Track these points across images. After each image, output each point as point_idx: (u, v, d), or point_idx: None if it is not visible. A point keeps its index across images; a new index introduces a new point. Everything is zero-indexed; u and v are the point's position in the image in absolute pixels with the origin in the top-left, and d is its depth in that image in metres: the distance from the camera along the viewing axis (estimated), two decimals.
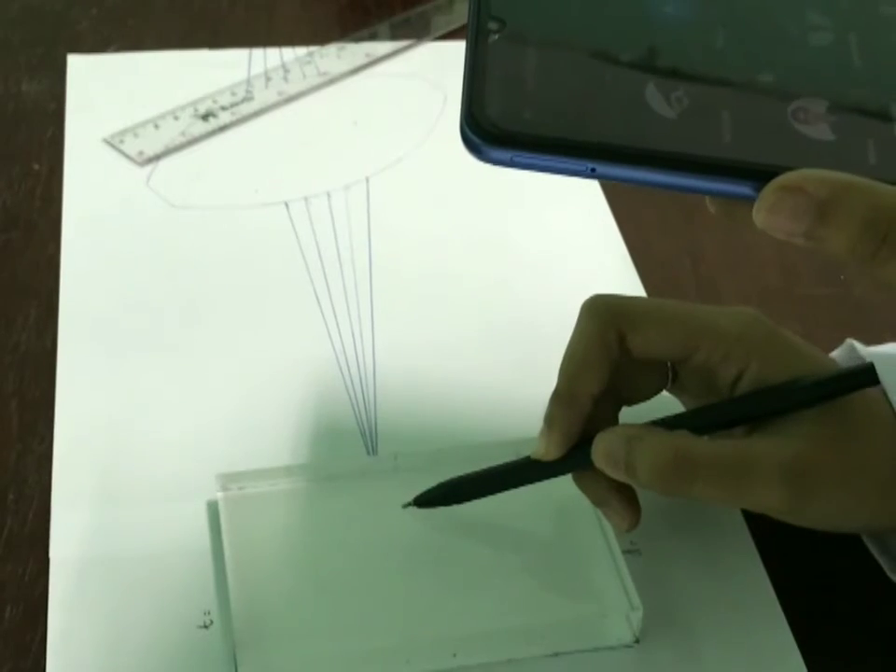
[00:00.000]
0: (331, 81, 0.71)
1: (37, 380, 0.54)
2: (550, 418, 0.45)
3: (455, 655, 0.44)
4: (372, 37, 0.73)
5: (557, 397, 0.46)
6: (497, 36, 0.36)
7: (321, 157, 0.66)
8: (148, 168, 0.65)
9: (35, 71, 0.70)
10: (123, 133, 0.66)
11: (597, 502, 0.47)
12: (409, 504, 0.47)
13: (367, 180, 0.64)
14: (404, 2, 0.76)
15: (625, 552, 0.47)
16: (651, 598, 0.46)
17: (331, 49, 0.72)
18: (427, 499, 0.47)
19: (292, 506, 0.48)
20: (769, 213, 0.35)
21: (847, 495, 0.44)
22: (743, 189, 0.35)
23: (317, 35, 0.73)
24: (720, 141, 0.35)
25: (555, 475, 0.46)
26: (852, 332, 0.51)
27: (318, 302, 0.58)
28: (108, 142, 0.66)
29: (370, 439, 0.52)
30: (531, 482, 0.47)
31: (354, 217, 0.62)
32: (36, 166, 0.65)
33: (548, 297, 0.59)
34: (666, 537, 0.49)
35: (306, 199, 0.63)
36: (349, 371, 0.55)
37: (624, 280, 0.60)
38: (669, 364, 0.48)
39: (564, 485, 0.49)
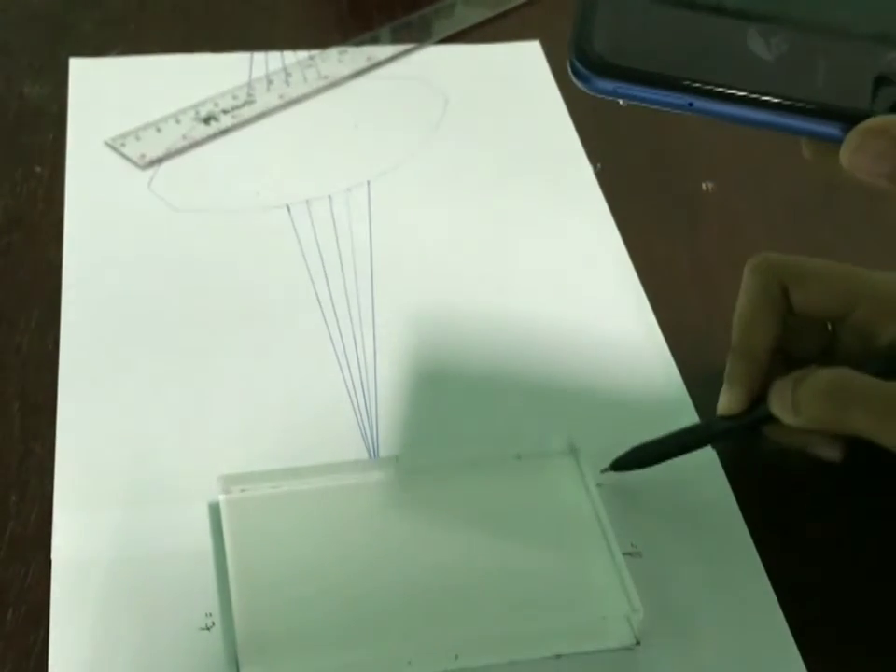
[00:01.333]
0: (333, 85, 0.71)
1: (39, 382, 0.54)
2: (730, 374, 0.48)
3: (456, 657, 0.44)
4: (374, 41, 0.73)
5: (734, 353, 0.48)
6: None
7: (322, 160, 0.66)
8: (150, 171, 0.65)
9: (37, 74, 0.70)
10: (125, 136, 0.66)
11: (802, 445, 0.48)
12: (607, 469, 0.49)
13: (368, 183, 0.65)
14: (405, 6, 0.76)
15: (626, 554, 0.47)
16: (652, 600, 0.46)
17: (333, 52, 0.73)
18: (623, 464, 0.49)
19: (294, 508, 0.48)
20: (854, 153, 0.37)
21: None
22: (832, 130, 0.37)
23: (319, 39, 0.73)
24: (813, 85, 0.37)
25: (742, 431, 0.48)
26: None
27: (320, 305, 0.58)
28: (110, 145, 0.66)
29: (371, 441, 0.52)
30: (720, 440, 0.49)
31: (355, 220, 0.63)
32: (38, 169, 0.65)
33: (548, 300, 0.59)
34: (667, 539, 0.49)
35: (307, 202, 0.63)
36: (350, 373, 0.55)
37: (624, 282, 0.60)
38: (829, 327, 0.49)
39: (565, 488, 0.49)
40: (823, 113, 0.37)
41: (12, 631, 0.45)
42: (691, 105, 0.38)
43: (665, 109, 0.38)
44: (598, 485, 0.49)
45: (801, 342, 0.49)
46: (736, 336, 0.48)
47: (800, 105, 0.37)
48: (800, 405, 0.46)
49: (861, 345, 0.49)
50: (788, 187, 0.66)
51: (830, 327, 0.50)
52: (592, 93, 0.38)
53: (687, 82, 0.37)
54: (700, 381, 0.55)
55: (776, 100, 0.37)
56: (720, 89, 0.37)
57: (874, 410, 0.45)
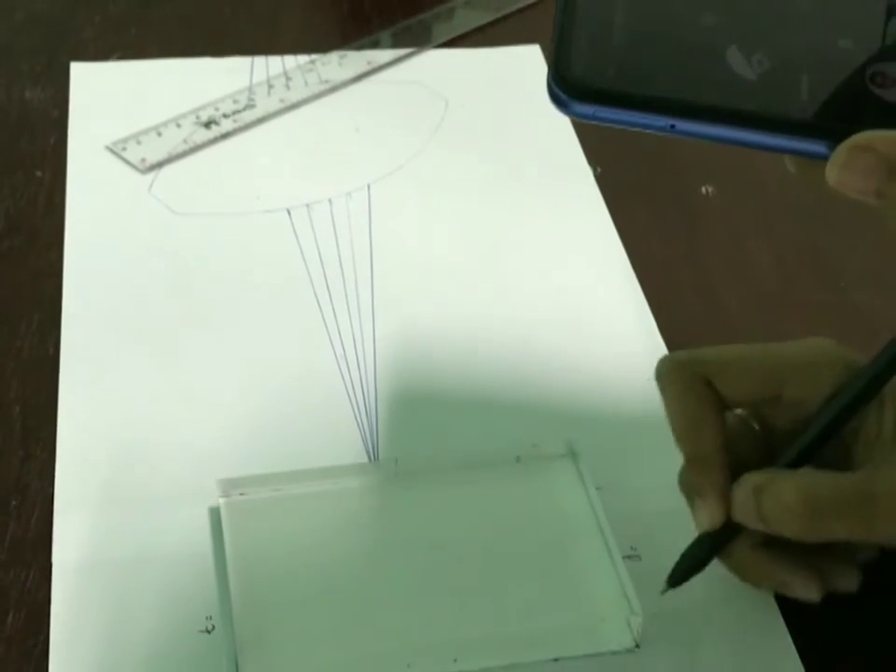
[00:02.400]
0: (333, 89, 0.71)
1: (40, 386, 0.54)
2: (698, 488, 0.44)
3: (455, 660, 0.45)
4: (374, 45, 0.74)
5: (691, 465, 0.45)
6: None
7: (323, 164, 0.66)
8: (151, 175, 0.65)
9: (38, 78, 0.70)
10: (126, 140, 0.66)
11: (775, 588, 0.46)
12: (665, 590, 0.45)
13: (368, 187, 0.65)
14: (405, 10, 0.76)
15: (626, 557, 0.47)
16: (651, 604, 0.46)
17: (333, 56, 0.73)
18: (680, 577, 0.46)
19: (293, 511, 0.49)
20: (841, 171, 0.36)
21: None
22: (817, 147, 0.37)
23: (319, 43, 0.73)
24: (797, 102, 0.37)
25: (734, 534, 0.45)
26: (851, 338, 0.51)
27: (320, 308, 0.58)
28: (111, 149, 0.66)
29: (371, 444, 0.52)
30: (718, 549, 0.45)
31: (355, 224, 0.63)
32: (39, 173, 0.65)
33: (548, 302, 0.59)
34: (667, 542, 0.48)
35: (308, 206, 0.64)
36: (350, 376, 0.55)
37: (624, 285, 0.60)
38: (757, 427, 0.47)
39: (564, 491, 0.50)
40: (808, 130, 0.37)
41: (13, 634, 0.45)
42: (672, 127, 0.37)
43: (646, 132, 0.37)
44: (598, 488, 0.49)
45: (738, 447, 0.46)
46: (683, 447, 0.45)
47: (784, 123, 0.37)
48: (769, 521, 0.43)
49: (795, 426, 0.45)
50: (787, 190, 0.66)
51: (756, 425, 0.47)
52: (571, 117, 0.38)
53: (667, 104, 0.37)
54: None
55: (759, 119, 0.37)
56: (701, 110, 0.37)
57: (849, 517, 0.42)
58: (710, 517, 0.44)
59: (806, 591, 0.45)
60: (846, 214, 0.65)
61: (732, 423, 0.46)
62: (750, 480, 0.44)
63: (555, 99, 0.37)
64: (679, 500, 0.50)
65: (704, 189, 0.66)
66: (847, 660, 0.46)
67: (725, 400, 0.45)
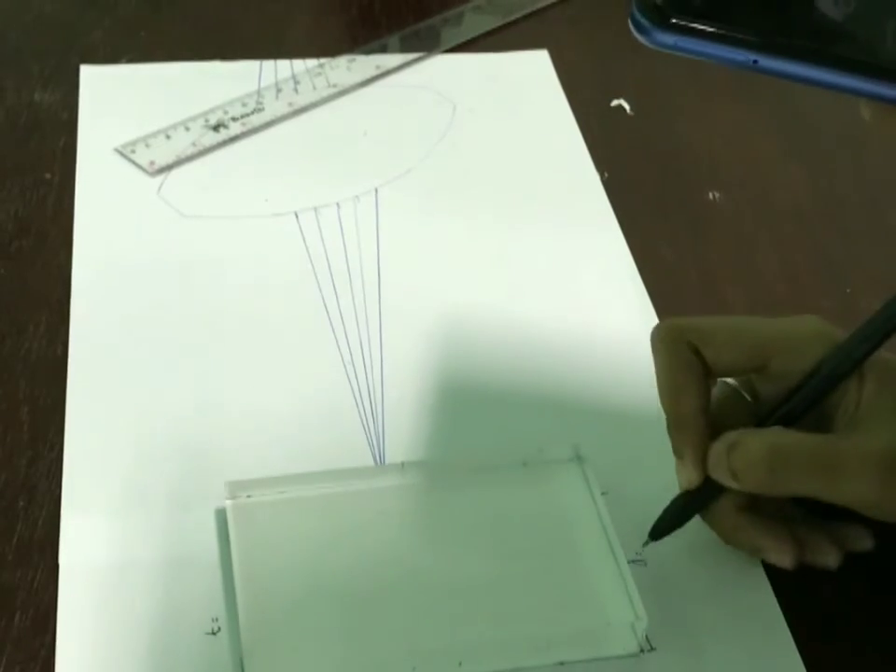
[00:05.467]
0: (342, 93, 0.71)
1: (48, 387, 0.54)
2: (676, 449, 0.47)
3: (460, 664, 0.45)
4: (383, 50, 0.74)
5: (670, 427, 0.47)
6: None
7: (331, 167, 0.66)
8: (159, 178, 0.65)
9: (47, 81, 0.71)
10: (135, 143, 0.67)
11: (751, 551, 0.48)
12: (647, 543, 0.48)
13: (376, 191, 0.65)
14: (414, 14, 0.76)
15: (631, 562, 0.47)
16: (656, 609, 0.46)
17: (342, 60, 0.73)
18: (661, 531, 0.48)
19: (300, 514, 0.49)
20: None
21: None
22: None
23: (328, 48, 0.74)
24: (881, 45, 0.36)
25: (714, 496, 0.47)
26: None
27: (327, 311, 0.58)
28: (120, 152, 0.66)
29: (377, 448, 0.52)
30: (699, 508, 0.47)
31: (363, 228, 0.63)
32: (48, 175, 0.65)
33: (555, 307, 0.59)
34: (672, 548, 0.49)
35: (316, 209, 0.64)
36: (357, 379, 0.55)
37: (631, 291, 0.60)
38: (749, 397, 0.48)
39: (570, 495, 0.50)
40: (891, 74, 0.36)
41: (19, 635, 0.45)
42: (755, 62, 0.36)
43: (725, 65, 0.36)
44: (604, 493, 0.50)
45: (728, 416, 0.48)
46: (665, 408, 0.47)
47: (866, 65, 0.36)
48: (738, 474, 0.45)
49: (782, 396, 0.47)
50: (793, 196, 0.66)
51: (749, 397, 0.49)
52: (651, 46, 0.36)
53: (752, 39, 0.36)
54: None
55: (841, 60, 0.36)
56: (785, 47, 0.36)
57: (813, 472, 0.44)
58: (688, 477, 0.46)
59: (780, 557, 0.47)
60: (852, 220, 0.65)
61: (724, 392, 0.48)
62: (726, 437, 0.46)
63: (637, 27, 0.36)
64: None
65: (711, 195, 0.66)
66: (848, 667, 0.46)
67: (712, 369, 0.47)
